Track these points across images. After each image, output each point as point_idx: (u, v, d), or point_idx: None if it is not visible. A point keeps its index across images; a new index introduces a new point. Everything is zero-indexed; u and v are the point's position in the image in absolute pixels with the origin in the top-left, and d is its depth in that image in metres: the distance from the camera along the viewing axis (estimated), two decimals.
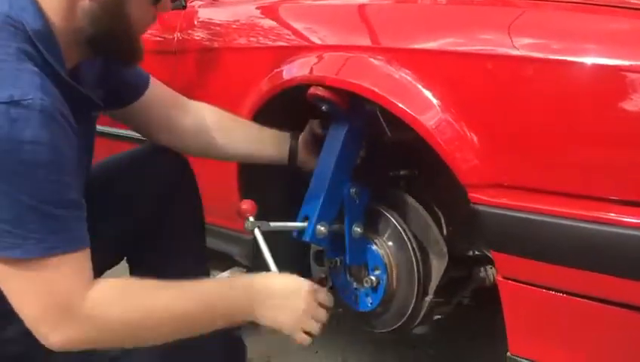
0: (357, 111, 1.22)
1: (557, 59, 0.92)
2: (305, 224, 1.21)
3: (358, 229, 1.25)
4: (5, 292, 0.89)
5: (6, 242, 0.84)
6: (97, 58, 1.08)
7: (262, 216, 1.18)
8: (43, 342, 0.90)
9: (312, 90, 1.20)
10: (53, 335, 0.89)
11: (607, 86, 0.89)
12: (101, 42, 0.99)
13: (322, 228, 1.21)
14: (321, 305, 1.08)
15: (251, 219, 1.16)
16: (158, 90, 1.26)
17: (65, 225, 0.88)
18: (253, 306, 1.02)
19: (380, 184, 1.31)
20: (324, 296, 1.10)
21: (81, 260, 0.90)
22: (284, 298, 1.04)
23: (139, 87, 1.23)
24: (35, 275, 0.86)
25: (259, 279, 1.06)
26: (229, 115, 1.33)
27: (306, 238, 1.21)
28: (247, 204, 1.14)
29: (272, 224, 1.17)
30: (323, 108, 1.22)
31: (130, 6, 0.98)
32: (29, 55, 0.88)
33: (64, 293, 0.88)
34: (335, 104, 1.19)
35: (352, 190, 1.24)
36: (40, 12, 0.91)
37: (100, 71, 1.12)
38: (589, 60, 0.90)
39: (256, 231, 1.13)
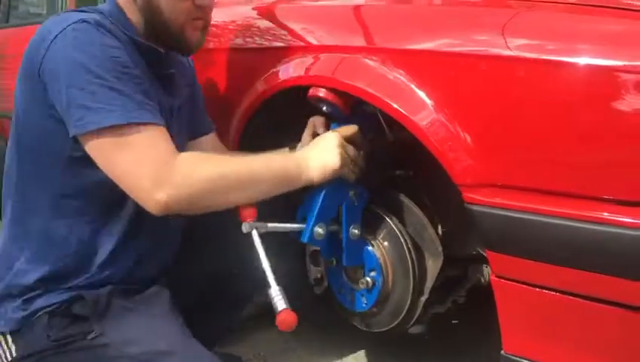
0: (357, 112, 1.22)
1: (550, 60, 0.93)
2: (303, 225, 1.21)
3: (356, 231, 1.25)
4: (109, 170, 1.07)
5: (104, 114, 1.03)
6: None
7: (262, 216, 1.19)
8: (148, 205, 1.06)
9: (312, 91, 1.20)
10: (157, 194, 1.04)
11: (601, 86, 0.89)
12: (150, 30, 1.19)
13: (320, 230, 1.21)
14: (347, 140, 1.20)
15: (249, 221, 1.17)
16: (213, 143, 1.43)
17: (145, 106, 1.07)
18: (300, 164, 1.17)
19: (378, 185, 1.31)
20: (348, 129, 1.22)
21: (164, 133, 1.09)
22: (316, 145, 1.20)
23: (203, 127, 1.43)
24: (132, 141, 1.04)
25: (296, 153, 1.24)
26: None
27: (304, 240, 1.21)
28: (247, 210, 1.15)
29: (270, 225, 1.17)
30: (324, 109, 1.23)
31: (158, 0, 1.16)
32: (102, 20, 1.13)
33: (159, 156, 1.06)
34: (335, 105, 1.20)
35: (352, 192, 1.24)
36: (117, 6, 1.19)
37: (188, 82, 1.37)
38: (582, 60, 0.91)
39: (254, 233, 1.14)
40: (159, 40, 1.22)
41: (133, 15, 1.19)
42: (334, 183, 1.19)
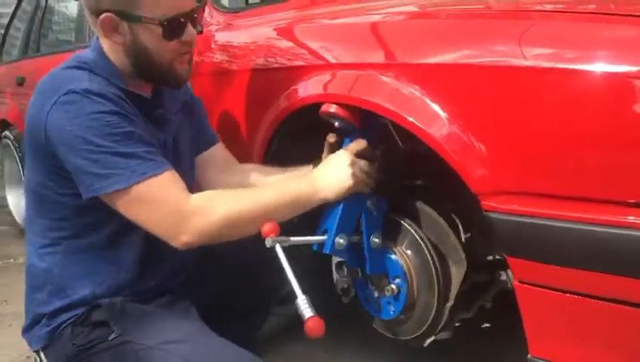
0: (368, 124, 1.25)
1: (564, 68, 0.94)
2: (324, 237, 1.24)
3: (377, 240, 1.28)
4: (133, 220, 1.16)
5: (111, 180, 1.11)
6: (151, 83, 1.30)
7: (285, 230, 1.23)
8: (178, 245, 1.15)
9: (323, 108, 1.24)
10: (179, 239, 1.14)
11: (617, 92, 0.90)
12: (138, 71, 1.24)
13: (341, 241, 1.24)
14: (358, 155, 1.24)
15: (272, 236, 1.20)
16: (219, 153, 1.49)
17: (147, 159, 1.14)
18: (314, 185, 1.22)
19: (397, 194, 1.34)
20: (357, 144, 1.26)
21: (173, 177, 1.16)
22: (329, 165, 1.25)
23: (209, 139, 1.48)
24: (146, 196, 1.13)
25: (309, 174, 1.27)
26: (269, 169, 1.42)
27: (326, 251, 1.24)
28: (269, 226, 1.19)
29: (292, 239, 1.21)
30: (336, 124, 1.26)
31: (145, 42, 1.20)
32: (88, 71, 1.21)
33: (171, 206, 1.14)
34: (346, 120, 1.23)
35: (370, 201, 1.27)
36: (101, 51, 1.24)
37: (182, 102, 1.41)
38: (597, 67, 0.92)
39: (278, 247, 1.18)
40: (149, 79, 1.27)
41: (119, 60, 1.23)
42: (351, 196, 1.23)
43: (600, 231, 0.92)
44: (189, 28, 1.22)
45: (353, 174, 1.21)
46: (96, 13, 1.19)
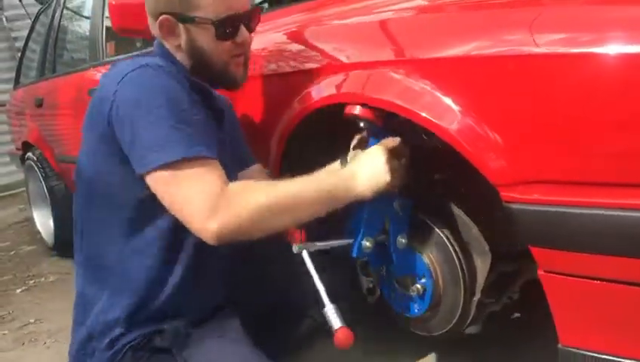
0: (391, 123, 1.25)
1: (578, 52, 0.92)
2: (350, 241, 1.24)
3: (403, 240, 1.27)
4: (168, 203, 1.14)
5: (161, 153, 1.11)
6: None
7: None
8: (202, 235, 1.12)
9: (347, 109, 1.24)
10: (210, 224, 1.10)
11: (634, 73, 0.88)
12: (197, 70, 1.30)
13: (368, 243, 1.24)
14: (392, 152, 1.21)
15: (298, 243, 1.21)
16: (259, 174, 1.51)
17: (201, 141, 1.15)
18: (351, 180, 1.19)
19: (418, 191, 1.33)
20: (392, 141, 1.24)
21: (217, 165, 1.16)
22: (364, 161, 1.21)
23: (248, 159, 1.52)
24: (187, 176, 1.12)
25: (343, 170, 1.24)
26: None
27: (353, 254, 1.24)
28: (295, 232, 1.20)
29: (319, 244, 1.21)
30: (361, 125, 1.26)
31: (201, 42, 1.26)
32: (161, 63, 1.24)
33: (210, 188, 1.12)
34: (371, 120, 1.23)
35: (396, 203, 1.27)
36: (166, 50, 1.31)
37: (229, 117, 1.46)
38: (614, 49, 0.89)
39: (304, 254, 1.18)
40: (207, 78, 1.31)
41: (182, 58, 1.30)
42: (377, 197, 1.21)
43: (623, 216, 0.91)
44: (243, 29, 1.28)
45: (391, 170, 1.18)
46: (155, 16, 1.27)
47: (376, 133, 1.27)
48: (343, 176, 1.21)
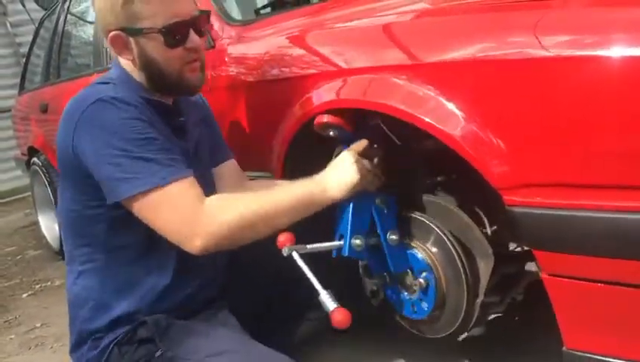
0: (362, 128, 1.29)
1: (582, 55, 0.92)
2: (340, 242, 1.27)
3: (394, 236, 1.28)
4: (151, 224, 1.19)
5: (132, 184, 1.16)
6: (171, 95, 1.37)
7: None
8: (191, 250, 1.17)
9: (317, 118, 1.28)
10: (193, 242, 1.16)
11: (638, 75, 0.88)
12: (153, 83, 1.30)
13: (358, 241, 1.26)
14: (360, 154, 1.27)
15: (288, 246, 1.23)
16: (232, 167, 1.54)
17: (168, 164, 1.18)
18: (322, 184, 1.24)
19: (414, 191, 1.34)
20: (359, 144, 1.29)
21: (191, 183, 1.20)
22: (334, 166, 1.27)
23: (222, 155, 1.53)
24: (165, 201, 1.17)
25: (317, 176, 1.28)
26: (280, 182, 1.44)
27: (345, 253, 1.26)
28: (284, 236, 1.24)
29: (309, 246, 1.24)
30: (330, 133, 1.30)
31: (152, 53, 1.25)
32: (113, 85, 1.27)
33: (187, 209, 1.17)
34: (341, 127, 1.27)
35: (378, 199, 1.29)
36: (122, 69, 1.31)
37: (201, 116, 1.48)
38: (617, 51, 0.89)
39: (295, 255, 1.20)
40: (164, 90, 1.31)
41: (137, 74, 1.30)
42: (359, 195, 1.26)
43: (626, 218, 0.91)
44: (192, 34, 1.27)
45: (358, 170, 1.23)
46: (105, 33, 1.27)
47: (347, 138, 1.30)
48: (315, 180, 1.26)
